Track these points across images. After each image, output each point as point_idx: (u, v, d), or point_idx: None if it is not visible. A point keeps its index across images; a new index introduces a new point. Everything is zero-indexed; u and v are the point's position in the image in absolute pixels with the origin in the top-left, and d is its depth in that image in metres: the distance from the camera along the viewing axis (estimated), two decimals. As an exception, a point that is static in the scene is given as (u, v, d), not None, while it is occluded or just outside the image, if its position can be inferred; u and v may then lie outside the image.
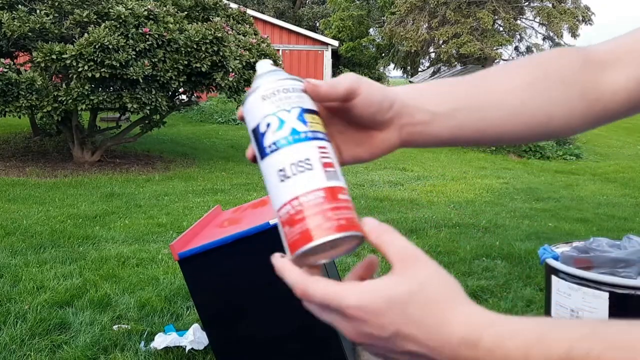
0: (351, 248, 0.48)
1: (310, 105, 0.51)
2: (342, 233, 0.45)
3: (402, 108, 0.56)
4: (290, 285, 0.46)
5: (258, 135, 0.50)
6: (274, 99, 0.50)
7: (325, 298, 0.45)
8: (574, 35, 19.13)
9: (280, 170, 0.48)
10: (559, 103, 0.62)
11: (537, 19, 19.62)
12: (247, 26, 9.63)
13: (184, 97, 9.67)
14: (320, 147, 0.49)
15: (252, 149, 0.53)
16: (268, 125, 0.49)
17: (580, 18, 19.02)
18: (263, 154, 0.49)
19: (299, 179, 0.47)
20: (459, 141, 0.61)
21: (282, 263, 0.48)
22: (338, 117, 0.55)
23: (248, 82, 8.82)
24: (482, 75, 0.63)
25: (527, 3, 19.52)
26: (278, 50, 12.89)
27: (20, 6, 7.42)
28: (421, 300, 0.43)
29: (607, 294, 1.78)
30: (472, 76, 0.63)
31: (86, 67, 7.22)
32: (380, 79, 28.41)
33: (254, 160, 0.53)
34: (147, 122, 8.83)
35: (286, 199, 0.47)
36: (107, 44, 7.19)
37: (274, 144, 0.48)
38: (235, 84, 8.46)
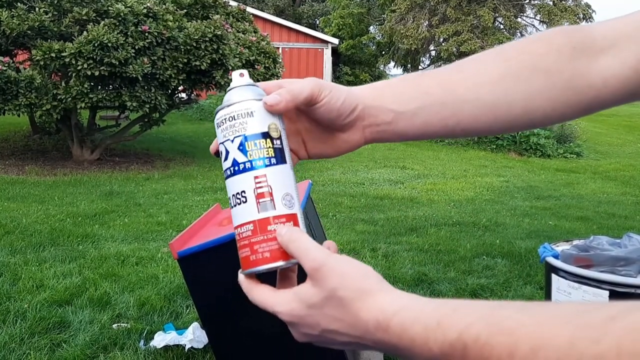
0: (281, 269, 0.53)
1: (256, 128, 0.51)
2: (261, 267, 0.50)
3: (364, 110, 0.58)
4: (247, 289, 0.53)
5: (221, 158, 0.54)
6: (222, 128, 0.52)
7: (264, 306, 0.51)
8: (574, 33, 19.13)
9: (229, 199, 0.52)
10: (539, 94, 0.59)
11: (538, 17, 19.59)
12: (247, 24, 9.62)
13: (183, 95, 9.66)
14: (256, 177, 0.51)
15: (216, 144, 0.56)
16: (220, 153, 0.53)
17: (581, 16, 18.99)
18: (225, 176, 0.54)
19: (238, 211, 0.51)
20: (428, 136, 0.61)
21: (239, 276, 0.54)
22: (304, 115, 0.58)
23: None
24: (454, 68, 0.62)
25: (527, 1, 19.49)
26: (278, 48, 12.88)
27: (19, 4, 7.41)
28: (335, 302, 0.48)
29: (607, 293, 1.78)
30: (444, 69, 0.62)
31: (85, 65, 7.21)
32: (380, 77, 28.38)
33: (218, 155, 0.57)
34: (146, 120, 8.82)
35: (234, 225, 0.52)
36: (106, 42, 7.18)
37: (225, 173, 0.53)
38: (235, 82, 8.45)
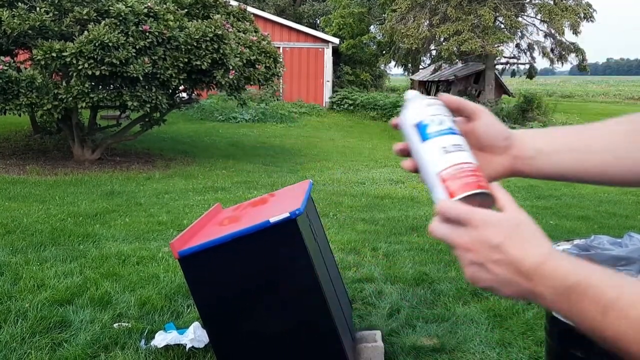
0: (488, 202, 0.66)
1: (450, 113, 0.73)
2: (480, 190, 0.65)
3: (515, 141, 0.72)
4: (438, 204, 0.66)
5: (420, 127, 0.70)
6: (436, 107, 0.71)
7: (461, 212, 0.62)
8: (576, 32, 19.07)
9: (444, 147, 0.68)
10: None
11: (539, 16, 19.56)
12: (248, 24, 9.61)
13: (184, 95, 9.65)
14: (465, 141, 0.71)
15: (402, 144, 0.72)
16: (433, 121, 0.70)
17: (582, 15, 18.95)
18: (425, 138, 0.70)
19: (456, 154, 0.67)
20: (562, 177, 0.74)
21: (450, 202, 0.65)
22: (470, 140, 0.72)
23: (248, 80, 8.80)
24: (589, 125, 0.76)
25: (528, 0, 19.46)
26: (278, 48, 12.88)
27: (20, 4, 7.41)
28: (524, 229, 0.61)
29: (608, 292, 1.77)
30: (582, 125, 0.76)
31: (86, 65, 7.21)
32: (381, 76, 28.32)
33: (402, 153, 0.73)
34: (147, 120, 8.82)
35: (448, 165, 0.67)
36: (107, 41, 7.18)
37: (438, 132, 0.69)
38: (235, 81, 8.44)
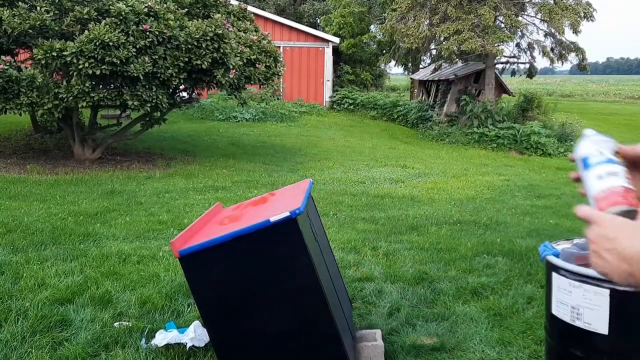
0: (636, 217, 0.81)
1: (613, 149, 0.91)
2: (628, 207, 0.83)
3: None
4: (579, 209, 0.83)
5: (584, 160, 0.90)
6: (600, 143, 0.91)
7: (589, 214, 0.81)
8: (576, 31, 19.05)
9: (599, 175, 0.87)
10: None
11: (539, 15, 19.54)
12: (248, 23, 9.61)
13: (184, 94, 9.66)
14: (621, 168, 0.88)
15: (577, 173, 0.91)
16: (593, 154, 0.89)
17: (582, 14, 18.93)
18: (587, 167, 0.89)
19: (609, 180, 0.86)
20: None
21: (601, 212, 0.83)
22: (634, 169, 0.90)
23: (248, 79, 8.81)
24: None
25: (529, 0, 19.45)
26: (279, 47, 12.88)
27: (20, 3, 7.41)
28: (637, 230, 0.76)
29: (607, 291, 1.78)
30: None
31: (87, 64, 7.21)
32: (381, 75, 28.31)
33: (577, 180, 0.92)
34: (147, 119, 8.83)
35: (601, 188, 0.85)
36: (107, 41, 7.18)
37: (597, 163, 0.88)
38: (235, 81, 8.45)
